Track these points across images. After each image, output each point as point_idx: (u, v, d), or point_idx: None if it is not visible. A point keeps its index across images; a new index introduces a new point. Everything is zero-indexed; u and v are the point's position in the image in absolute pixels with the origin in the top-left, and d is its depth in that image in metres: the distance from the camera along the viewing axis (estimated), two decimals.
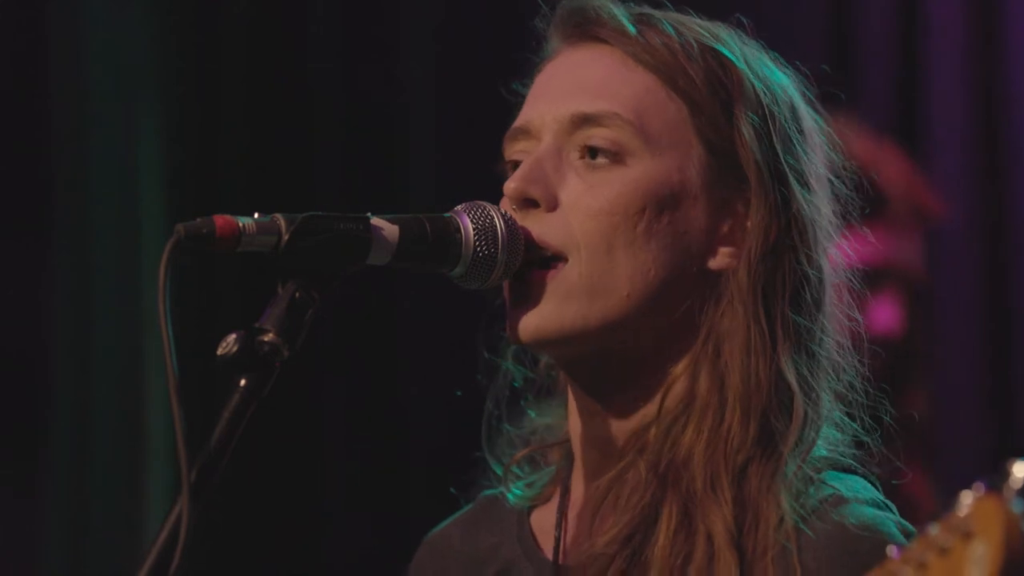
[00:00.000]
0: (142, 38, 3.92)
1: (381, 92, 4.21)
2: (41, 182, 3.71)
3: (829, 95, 1.66)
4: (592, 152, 1.49)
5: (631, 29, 1.53)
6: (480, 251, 1.45)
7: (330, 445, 4.07)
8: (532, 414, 1.67)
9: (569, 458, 1.63)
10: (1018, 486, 0.81)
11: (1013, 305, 3.74)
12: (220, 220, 1.28)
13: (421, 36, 4.21)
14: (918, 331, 3.69)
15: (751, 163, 1.49)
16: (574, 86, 1.54)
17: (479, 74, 3.60)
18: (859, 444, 1.52)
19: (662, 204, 1.48)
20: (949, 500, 0.84)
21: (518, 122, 1.57)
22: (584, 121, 1.49)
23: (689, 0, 1.63)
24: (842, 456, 1.49)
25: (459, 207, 1.48)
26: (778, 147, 1.50)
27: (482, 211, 1.46)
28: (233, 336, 1.26)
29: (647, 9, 1.58)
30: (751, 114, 1.50)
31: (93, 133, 3.77)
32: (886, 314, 3.54)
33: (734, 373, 1.45)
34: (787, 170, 1.50)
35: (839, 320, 1.55)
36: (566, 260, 1.47)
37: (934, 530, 0.85)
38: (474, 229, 1.44)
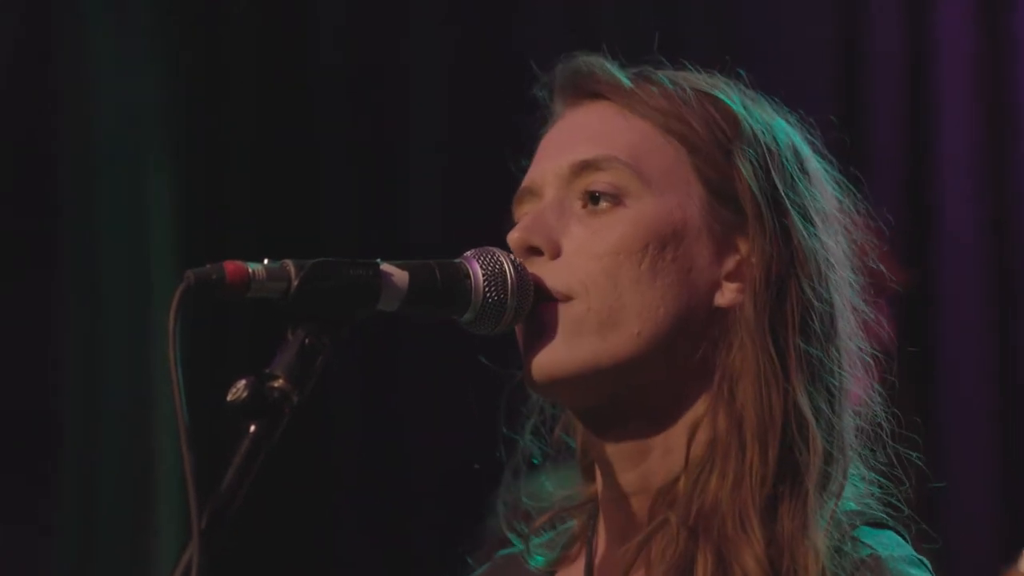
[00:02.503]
0: (151, 79, 3.95)
1: (391, 133, 4.24)
2: (50, 226, 3.73)
3: (836, 142, 1.66)
4: (592, 198, 1.50)
5: (626, 82, 1.55)
6: (490, 297, 1.45)
7: (339, 494, 4.07)
8: (549, 486, 1.67)
9: (593, 523, 1.62)
10: None
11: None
12: (230, 266, 1.28)
13: (431, 73, 4.24)
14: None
15: (749, 197, 1.49)
16: (572, 139, 1.56)
17: (488, 123, 3.62)
18: (884, 487, 1.52)
19: (664, 241, 1.48)
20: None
21: (523, 184, 1.58)
22: (583, 168, 1.51)
23: (693, 58, 1.65)
24: (872, 509, 1.49)
25: (468, 253, 1.48)
26: (777, 182, 1.51)
27: (492, 257, 1.47)
28: (243, 382, 1.26)
29: (644, 67, 1.59)
30: (749, 150, 1.51)
31: (102, 177, 3.79)
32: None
33: (749, 410, 1.44)
34: (787, 203, 1.51)
35: (856, 354, 1.54)
36: (572, 299, 1.47)
37: None
38: (484, 275, 1.45)
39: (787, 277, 1.49)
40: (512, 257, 1.49)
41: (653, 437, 1.51)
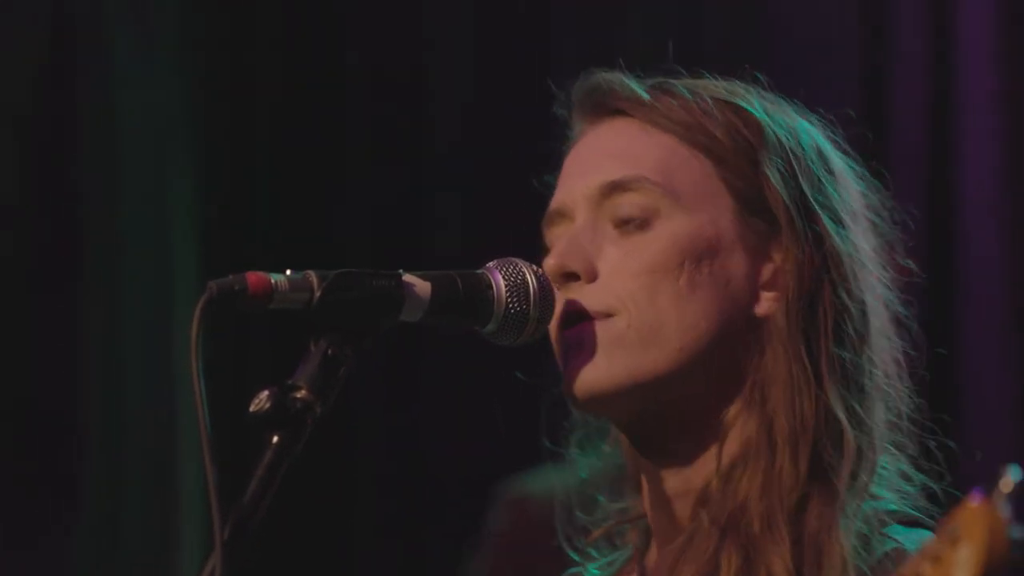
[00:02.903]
0: (174, 92, 3.96)
1: (414, 147, 4.24)
2: (73, 238, 3.74)
3: (859, 137, 1.66)
4: (624, 221, 1.50)
5: (645, 96, 1.55)
6: (512, 308, 1.45)
7: (361, 504, 4.07)
8: (601, 499, 1.66)
9: (646, 535, 1.63)
10: (1008, 490, 0.83)
11: None
12: (253, 277, 1.28)
13: (451, 87, 4.24)
14: None
15: (780, 205, 1.50)
16: (598, 158, 1.56)
17: (510, 132, 3.63)
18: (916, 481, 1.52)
19: (700, 257, 1.49)
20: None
21: (552, 206, 1.58)
22: (612, 189, 1.51)
23: (716, 55, 1.64)
24: (908, 508, 1.49)
25: (490, 264, 1.48)
26: (805, 187, 1.51)
27: (514, 267, 1.47)
28: (266, 393, 1.26)
29: (661, 78, 1.59)
30: (775, 158, 1.51)
31: (125, 188, 3.80)
32: None
33: (780, 415, 1.45)
34: (817, 208, 1.51)
35: (889, 351, 1.54)
36: (612, 316, 1.48)
37: (931, 541, 0.87)
38: (506, 286, 1.45)
39: (820, 283, 1.49)
40: (534, 268, 1.49)
41: (690, 442, 1.52)
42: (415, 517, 4.07)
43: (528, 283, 1.46)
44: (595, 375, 1.47)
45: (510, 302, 1.45)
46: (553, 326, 1.51)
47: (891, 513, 1.46)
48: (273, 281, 1.30)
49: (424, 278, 1.42)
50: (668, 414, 1.51)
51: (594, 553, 1.65)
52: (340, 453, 3.80)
